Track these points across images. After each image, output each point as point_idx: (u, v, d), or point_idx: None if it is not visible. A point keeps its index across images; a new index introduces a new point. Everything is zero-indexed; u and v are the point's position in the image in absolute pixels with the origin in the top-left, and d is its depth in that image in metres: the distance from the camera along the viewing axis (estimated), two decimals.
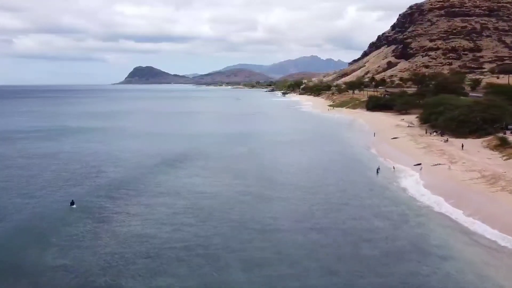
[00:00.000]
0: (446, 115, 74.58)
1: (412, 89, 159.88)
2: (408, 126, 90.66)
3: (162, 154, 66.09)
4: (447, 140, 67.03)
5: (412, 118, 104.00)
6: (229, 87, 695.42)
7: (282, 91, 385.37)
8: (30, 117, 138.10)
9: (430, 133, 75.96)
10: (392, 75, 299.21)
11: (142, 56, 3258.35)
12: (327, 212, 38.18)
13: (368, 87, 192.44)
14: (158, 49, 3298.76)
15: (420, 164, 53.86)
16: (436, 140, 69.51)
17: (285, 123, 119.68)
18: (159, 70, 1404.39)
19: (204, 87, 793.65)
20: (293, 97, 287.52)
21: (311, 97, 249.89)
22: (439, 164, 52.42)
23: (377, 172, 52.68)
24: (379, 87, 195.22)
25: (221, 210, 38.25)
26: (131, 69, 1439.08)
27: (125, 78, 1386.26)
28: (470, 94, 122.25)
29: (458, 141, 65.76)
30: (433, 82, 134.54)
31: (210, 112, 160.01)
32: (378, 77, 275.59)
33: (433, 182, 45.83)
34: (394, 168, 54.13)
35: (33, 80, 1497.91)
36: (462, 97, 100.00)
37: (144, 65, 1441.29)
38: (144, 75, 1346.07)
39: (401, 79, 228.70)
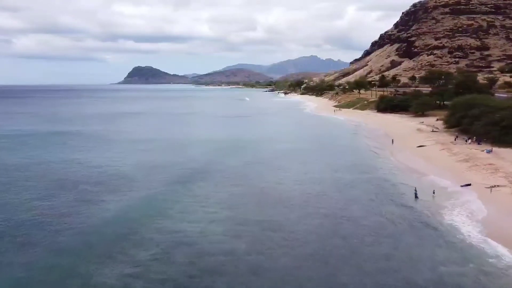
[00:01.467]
0: (484, 120, 61.90)
1: (423, 89, 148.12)
2: (432, 131, 78.27)
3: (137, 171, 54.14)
4: (491, 151, 54.46)
5: (432, 121, 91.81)
6: (228, 87, 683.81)
7: (283, 91, 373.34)
8: (20, 120, 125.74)
9: (465, 141, 63.31)
10: (396, 74, 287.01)
11: (141, 56, 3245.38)
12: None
13: (376, 87, 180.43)
14: (157, 49, 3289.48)
15: (469, 184, 41.61)
16: (475, 150, 57.01)
17: (289, 127, 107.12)
18: (159, 70, 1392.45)
19: (203, 87, 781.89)
20: (295, 97, 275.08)
21: (313, 98, 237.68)
22: (497, 186, 40.01)
23: (415, 196, 40.00)
24: (388, 87, 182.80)
25: None
26: (130, 69, 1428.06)
27: (124, 78, 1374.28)
28: (496, 94, 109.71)
29: (504, 152, 53.50)
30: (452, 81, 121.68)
31: (207, 114, 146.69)
32: (385, 75, 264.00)
33: (500, 220, 32.78)
34: (434, 192, 40.63)
35: (32, 80, 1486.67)
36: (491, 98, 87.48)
37: (143, 65, 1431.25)
38: (143, 75, 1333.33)
39: (412, 77, 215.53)
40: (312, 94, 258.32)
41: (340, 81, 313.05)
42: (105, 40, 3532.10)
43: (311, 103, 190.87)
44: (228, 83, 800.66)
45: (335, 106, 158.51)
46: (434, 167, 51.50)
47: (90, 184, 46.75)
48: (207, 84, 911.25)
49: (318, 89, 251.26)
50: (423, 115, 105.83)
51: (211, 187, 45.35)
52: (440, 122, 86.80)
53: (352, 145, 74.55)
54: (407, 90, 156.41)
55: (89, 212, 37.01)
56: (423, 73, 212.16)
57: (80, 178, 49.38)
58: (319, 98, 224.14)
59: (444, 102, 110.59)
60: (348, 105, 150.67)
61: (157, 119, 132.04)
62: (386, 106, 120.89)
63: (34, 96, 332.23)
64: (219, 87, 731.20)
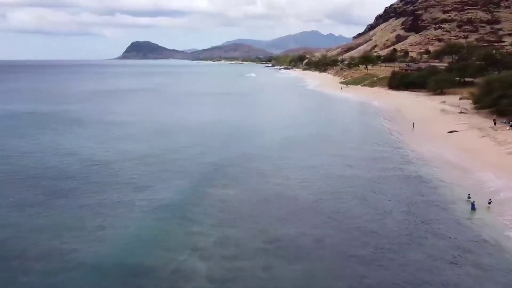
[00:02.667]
0: None
1: (437, 64, 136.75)
2: (461, 112, 67.35)
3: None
4: None
5: (454, 100, 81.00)
6: (227, 62, 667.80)
7: (284, 67, 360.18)
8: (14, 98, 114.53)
9: (509, 124, 52.27)
10: (402, 49, 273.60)
11: (139, 31, 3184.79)
12: None
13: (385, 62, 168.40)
14: (156, 24, 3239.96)
15: None
16: None
17: (293, 107, 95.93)
18: (157, 45, 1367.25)
19: (202, 62, 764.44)
20: (297, 73, 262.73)
21: (316, 74, 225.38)
22: None
23: (472, 207, 29.44)
24: (396, 62, 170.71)
25: None
26: (128, 44, 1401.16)
27: (122, 53, 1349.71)
28: None
29: None
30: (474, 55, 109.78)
31: (206, 93, 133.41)
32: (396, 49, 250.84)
33: None
34: (490, 202, 29.95)
35: (28, 55, 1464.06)
36: None
37: (141, 40, 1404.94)
38: (141, 50, 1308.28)
39: (426, 51, 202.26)
40: (315, 70, 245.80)
41: (343, 56, 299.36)
42: (102, 14, 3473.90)
43: (315, 80, 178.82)
44: (228, 59, 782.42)
45: (342, 82, 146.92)
46: (478, 161, 40.93)
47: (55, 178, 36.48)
48: (206, 59, 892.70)
49: (321, 65, 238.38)
50: (442, 93, 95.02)
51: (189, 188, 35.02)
52: (465, 101, 76.06)
53: (367, 129, 63.87)
54: (419, 65, 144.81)
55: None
56: (432, 47, 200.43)
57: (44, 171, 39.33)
58: (323, 74, 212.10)
59: (465, 79, 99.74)
60: (355, 82, 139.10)
61: (152, 98, 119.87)
62: (399, 83, 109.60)
63: (24, 72, 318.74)
64: (218, 62, 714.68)
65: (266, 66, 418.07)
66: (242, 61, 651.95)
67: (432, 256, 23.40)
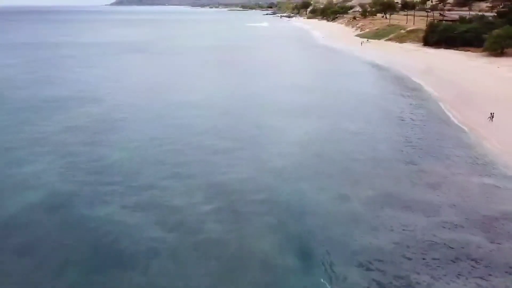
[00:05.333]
0: None
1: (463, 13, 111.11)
2: None
3: None
4: None
5: None
6: (226, 9, 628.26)
7: (286, 14, 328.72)
8: None
9: None
10: None
11: None
12: None
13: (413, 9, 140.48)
14: None
15: None
16: None
17: (303, 71, 71.16)
18: None
19: (200, 9, 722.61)
20: (301, 22, 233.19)
21: (324, 23, 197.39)
22: None
23: None
24: (416, 9, 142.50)
25: None
26: None
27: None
28: None
29: None
30: None
31: (197, 47, 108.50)
32: None
33: None
34: None
35: (16, 1, 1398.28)
36: None
37: None
38: None
39: None
40: (322, 19, 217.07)
41: (351, 2, 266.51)
42: None
43: (323, 31, 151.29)
44: (226, 5, 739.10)
45: (359, 36, 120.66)
46: None
47: None
48: (203, 6, 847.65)
49: (330, 12, 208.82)
50: (501, 54, 70.90)
51: None
52: None
53: (421, 120, 40.30)
54: (452, 15, 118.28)
55: None
56: None
57: None
58: (332, 24, 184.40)
59: None
60: (377, 35, 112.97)
61: (143, 56, 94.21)
62: (439, 38, 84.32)
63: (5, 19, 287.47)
64: (215, 9, 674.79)
65: (267, 14, 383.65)
66: (242, 8, 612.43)
67: None
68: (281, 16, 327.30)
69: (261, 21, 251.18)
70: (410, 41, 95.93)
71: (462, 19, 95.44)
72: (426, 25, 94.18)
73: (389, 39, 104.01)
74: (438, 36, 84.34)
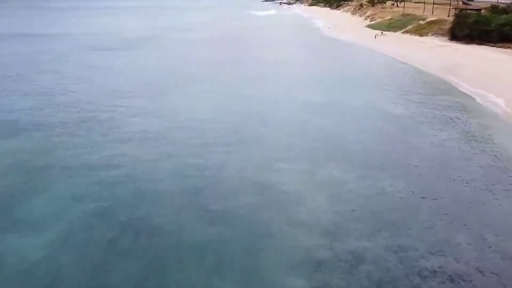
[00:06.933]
0: None
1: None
2: None
3: None
4: None
5: None
6: None
7: (286, 1, 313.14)
8: None
9: None
10: None
11: None
12: None
13: None
14: None
15: None
16: None
17: (313, 72, 59.05)
18: None
19: None
20: (302, 9, 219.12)
21: (327, 10, 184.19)
22: None
23: None
24: None
25: None
26: None
27: None
28: None
29: None
30: None
31: (186, 39, 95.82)
32: None
33: None
34: None
35: None
36: None
37: None
38: None
39: None
40: (325, 6, 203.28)
41: None
42: None
43: (330, 21, 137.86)
44: None
45: (369, 26, 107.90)
46: None
47: None
48: None
49: (334, 0, 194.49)
50: None
51: None
52: None
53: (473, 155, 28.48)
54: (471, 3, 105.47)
55: None
56: None
57: None
58: (335, 12, 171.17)
59: None
60: (390, 26, 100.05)
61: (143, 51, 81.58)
62: (472, 32, 71.78)
63: None
64: None
65: (265, 0, 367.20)
66: None
67: None
68: (280, 2, 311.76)
69: (266, 9, 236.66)
70: (431, 34, 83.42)
71: (494, 8, 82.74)
72: (452, 15, 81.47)
73: (406, 31, 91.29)
74: (469, 29, 71.79)
